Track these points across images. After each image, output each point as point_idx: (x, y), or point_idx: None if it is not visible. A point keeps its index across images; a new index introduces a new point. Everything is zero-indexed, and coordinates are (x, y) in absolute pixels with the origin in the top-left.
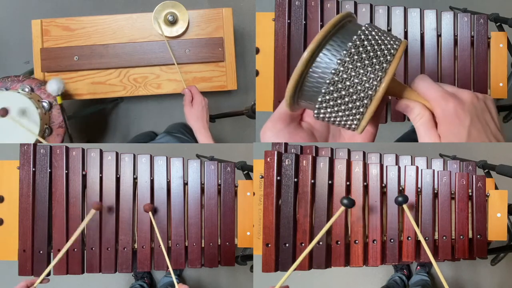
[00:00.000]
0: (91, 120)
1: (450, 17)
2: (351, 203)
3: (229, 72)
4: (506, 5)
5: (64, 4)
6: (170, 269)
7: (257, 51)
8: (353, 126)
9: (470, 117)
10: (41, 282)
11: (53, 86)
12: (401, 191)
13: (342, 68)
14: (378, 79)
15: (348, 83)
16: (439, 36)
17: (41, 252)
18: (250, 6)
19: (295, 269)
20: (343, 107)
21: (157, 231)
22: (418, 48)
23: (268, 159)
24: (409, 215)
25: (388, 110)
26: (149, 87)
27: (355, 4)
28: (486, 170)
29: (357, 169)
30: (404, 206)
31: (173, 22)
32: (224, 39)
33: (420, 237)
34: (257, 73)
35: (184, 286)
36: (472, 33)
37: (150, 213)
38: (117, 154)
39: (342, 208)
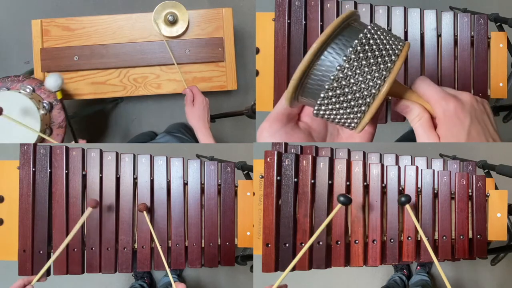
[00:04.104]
0: (91, 120)
1: (450, 17)
2: (348, 201)
3: (229, 72)
4: (506, 5)
5: (64, 4)
6: (167, 269)
7: (257, 51)
8: (352, 124)
9: (470, 118)
10: (38, 281)
11: (51, 81)
12: (401, 191)
13: (347, 65)
14: (382, 78)
15: (352, 80)
16: (439, 36)
17: (41, 252)
18: (250, 6)
19: (295, 269)
20: (345, 105)
21: (153, 231)
22: (418, 48)
23: (268, 159)
24: (412, 215)
25: (388, 110)
26: (149, 87)
27: (355, 4)
28: (486, 170)
29: (357, 169)
30: (407, 206)
31: (173, 22)
32: (224, 39)
33: (422, 235)
34: (257, 73)
35: (181, 284)
36: (472, 33)
37: (145, 212)
38: (117, 154)
39: (339, 205)
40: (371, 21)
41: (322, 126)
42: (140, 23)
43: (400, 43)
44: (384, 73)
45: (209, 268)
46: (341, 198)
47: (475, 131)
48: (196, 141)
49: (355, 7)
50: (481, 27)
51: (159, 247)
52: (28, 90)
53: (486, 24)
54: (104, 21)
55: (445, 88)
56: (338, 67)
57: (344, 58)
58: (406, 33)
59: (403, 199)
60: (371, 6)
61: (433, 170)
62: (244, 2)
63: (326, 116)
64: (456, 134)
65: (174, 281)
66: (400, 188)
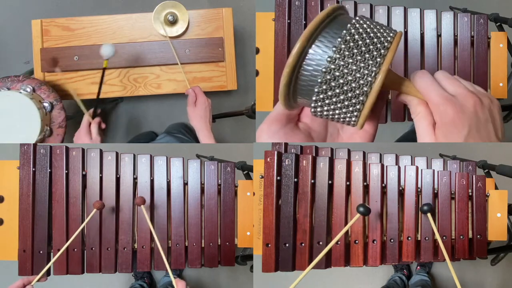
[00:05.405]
0: None
1: (450, 17)
2: (367, 212)
3: (229, 72)
4: (506, 5)
5: (64, 4)
6: (168, 268)
7: (257, 51)
8: (352, 121)
9: (469, 127)
10: (38, 281)
11: (107, 49)
12: (401, 191)
13: (333, 66)
14: (373, 74)
15: (341, 80)
16: (439, 36)
17: (41, 252)
18: (250, 6)
19: (294, 270)
20: (339, 105)
21: (152, 228)
22: (418, 48)
23: (268, 159)
24: (432, 224)
25: (388, 110)
26: (149, 87)
27: (355, 4)
28: (486, 170)
29: (357, 169)
30: (428, 215)
31: (173, 22)
32: (224, 39)
33: (438, 238)
34: (257, 73)
35: (181, 281)
36: (472, 33)
37: (142, 207)
38: (117, 154)
39: (358, 215)
40: None
41: (322, 126)
42: (140, 23)
43: (390, 34)
44: (374, 69)
45: (209, 268)
46: (361, 209)
47: (472, 140)
48: (197, 141)
49: (355, 7)
50: (481, 27)
51: (159, 245)
52: (28, 90)
53: (486, 24)
54: (104, 21)
55: (447, 79)
56: (324, 69)
57: (329, 58)
58: (406, 33)
59: (425, 207)
60: (371, 6)
61: (433, 170)
62: (244, 2)
63: (324, 116)
64: (452, 141)
65: (174, 278)
66: (400, 188)
